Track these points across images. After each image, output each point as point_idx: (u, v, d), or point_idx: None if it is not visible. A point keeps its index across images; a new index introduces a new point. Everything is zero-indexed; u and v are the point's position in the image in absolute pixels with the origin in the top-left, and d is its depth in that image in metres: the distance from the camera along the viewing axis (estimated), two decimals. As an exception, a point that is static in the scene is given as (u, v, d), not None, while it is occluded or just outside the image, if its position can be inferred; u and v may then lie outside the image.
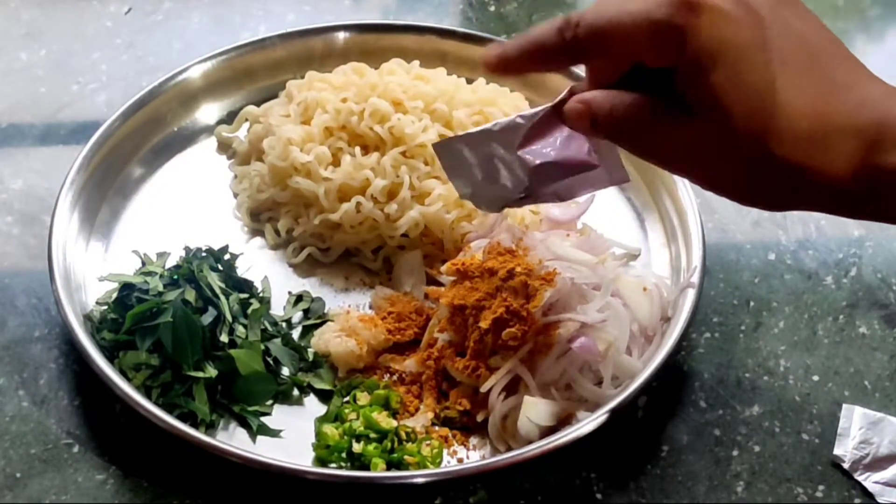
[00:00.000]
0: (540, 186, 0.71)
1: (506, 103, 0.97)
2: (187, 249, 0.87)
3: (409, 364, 0.83)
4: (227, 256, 0.87)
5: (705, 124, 0.55)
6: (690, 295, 0.85)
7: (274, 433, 0.80)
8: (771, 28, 0.54)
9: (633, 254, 0.93)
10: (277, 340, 0.84)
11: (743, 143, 0.54)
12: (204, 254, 0.87)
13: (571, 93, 0.64)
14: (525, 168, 0.70)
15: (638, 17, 0.55)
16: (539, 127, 0.68)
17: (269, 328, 0.84)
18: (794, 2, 0.57)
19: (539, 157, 0.69)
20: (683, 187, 0.93)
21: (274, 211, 0.95)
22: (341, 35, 1.06)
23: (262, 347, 0.82)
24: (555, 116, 0.66)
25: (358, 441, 0.77)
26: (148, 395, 0.78)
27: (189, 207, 0.95)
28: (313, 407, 0.82)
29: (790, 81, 0.53)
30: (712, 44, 0.53)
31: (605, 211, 0.96)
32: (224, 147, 1.01)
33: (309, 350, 0.85)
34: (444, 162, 0.75)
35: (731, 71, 0.53)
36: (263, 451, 0.78)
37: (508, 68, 0.63)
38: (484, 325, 0.79)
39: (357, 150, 0.92)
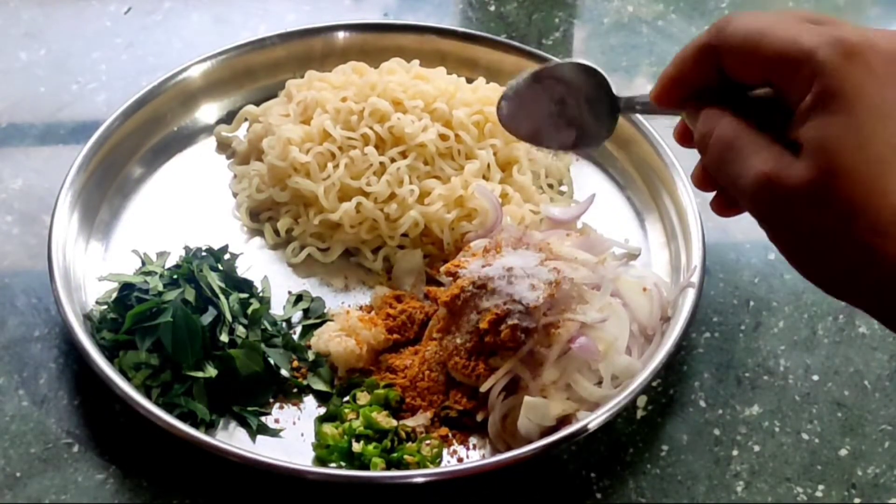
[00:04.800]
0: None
1: (506, 103, 0.97)
2: (187, 249, 0.87)
3: (409, 364, 0.83)
4: (226, 256, 0.87)
5: (803, 169, 0.49)
6: (690, 295, 0.85)
7: (273, 433, 0.80)
8: None
9: (633, 254, 0.93)
10: (277, 340, 0.84)
11: (834, 206, 0.48)
12: (204, 253, 0.87)
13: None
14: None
15: (787, 36, 0.50)
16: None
17: (269, 328, 0.84)
18: None
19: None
20: (683, 187, 0.93)
21: (273, 211, 0.95)
22: (341, 35, 1.06)
23: (262, 347, 0.82)
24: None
25: (357, 441, 0.77)
26: (148, 395, 0.78)
27: (189, 207, 0.95)
28: (313, 407, 0.82)
29: None
30: (848, 91, 0.48)
31: (605, 211, 0.96)
32: (223, 147, 1.01)
33: (309, 350, 0.85)
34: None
35: (856, 127, 0.48)
36: (263, 450, 0.78)
37: (673, 91, 0.58)
38: (483, 325, 0.79)
39: (357, 149, 0.92)
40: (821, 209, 0.48)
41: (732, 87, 0.54)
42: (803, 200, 0.49)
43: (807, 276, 0.52)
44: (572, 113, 0.66)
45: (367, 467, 0.76)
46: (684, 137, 0.60)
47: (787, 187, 0.49)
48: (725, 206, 0.58)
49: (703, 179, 0.59)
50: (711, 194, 0.59)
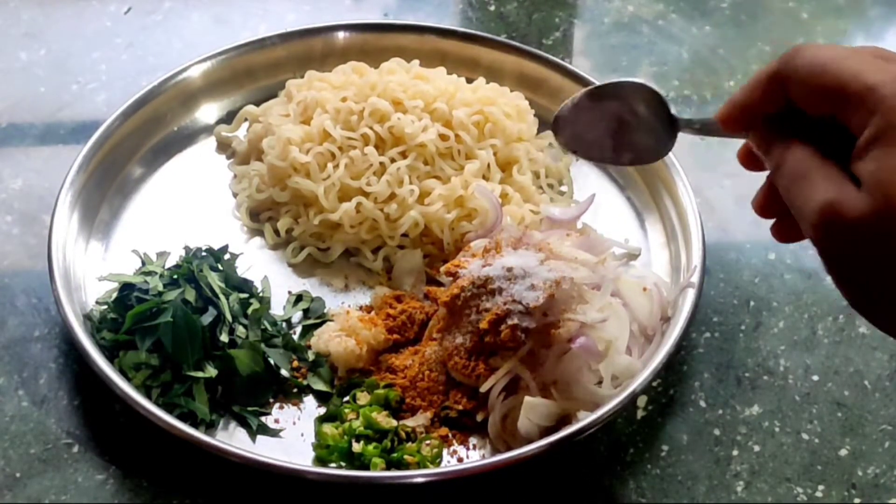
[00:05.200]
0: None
1: (506, 103, 0.97)
2: (187, 249, 0.87)
3: (409, 364, 0.83)
4: (227, 256, 0.87)
5: (863, 201, 0.50)
6: (690, 295, 0.85)
7: (273, 433, 0.80)
8: None
9: (633, 254, 0.93)
10: (277, 340, 0.84)
11: (892, 237, 0.49)
12: (204, 254, 0.87)
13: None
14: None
15: (851, 71, 0.52)
16: None
17: (269, 328, 0.84)
18: None
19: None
20: (683, 187, 0.93)
21: (273, 211, 0.95)
22: (341, 35, 1.06)
23: (262, 347, 0.82)
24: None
25: (357, 441, 0.77)
26: (148, 395, 0.78)
27: (189, 207, 0.95)
28: (313, 407, 0.82)
29: None
30: None
31: (605, 211, 0.96)
32: (223, 147, 1.01)
33: (309, 350, 0.85)
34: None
35: None
36: (263, 450, 0.77)
37: (740, 115, 0.59)
38: (483, 325, 0.79)
39: (357, 149, 0.92)
40: (879, 240, 0.50)
41: (800, 114, 0.55)
42: (863, 232, 0.50)
43: (859, 310, 0.53)
44: (629, 130, 0.67)
45: (367, 467, 0.76)
46: (748, 159, 0.61)
47: (848, 218, 0.50)
48: (785, 233, 0.60)
49: (764, 207, 0.60)
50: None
